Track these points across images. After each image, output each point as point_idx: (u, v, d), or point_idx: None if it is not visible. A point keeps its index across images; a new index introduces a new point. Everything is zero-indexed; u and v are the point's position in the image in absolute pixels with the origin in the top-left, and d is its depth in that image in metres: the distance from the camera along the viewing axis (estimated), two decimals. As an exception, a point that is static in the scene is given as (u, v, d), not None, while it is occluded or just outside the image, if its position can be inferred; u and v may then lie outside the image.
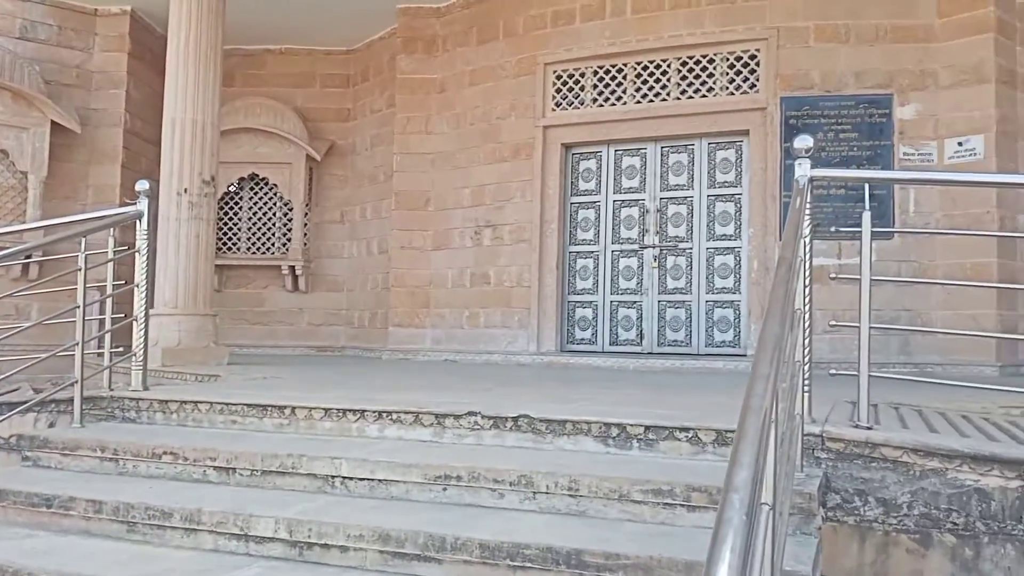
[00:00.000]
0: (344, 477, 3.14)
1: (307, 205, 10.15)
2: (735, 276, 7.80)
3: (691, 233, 8.00)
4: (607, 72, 8.20)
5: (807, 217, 3.07)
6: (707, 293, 7.89)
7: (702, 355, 7.75)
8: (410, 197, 9.13)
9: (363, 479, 3.11)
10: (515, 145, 8.51)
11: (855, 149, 7.27)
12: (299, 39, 10.21)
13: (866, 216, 3.06)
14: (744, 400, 1.42)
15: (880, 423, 3.34)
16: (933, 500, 2.84)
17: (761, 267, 7.46)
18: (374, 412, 3.66)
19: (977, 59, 7.02)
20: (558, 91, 8.41)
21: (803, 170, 3.06)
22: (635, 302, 8.20)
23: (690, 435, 3.17)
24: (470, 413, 3.50)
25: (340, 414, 3.72)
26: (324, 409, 3.76)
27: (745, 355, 7.46)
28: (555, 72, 8.42)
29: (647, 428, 3.24)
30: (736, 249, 7.82)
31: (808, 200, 3.06)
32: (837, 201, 7.15)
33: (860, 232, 3.09)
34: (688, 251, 8.01)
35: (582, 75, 8.30)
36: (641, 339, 8.14)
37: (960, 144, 7.02)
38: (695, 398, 4.48)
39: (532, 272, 8.34)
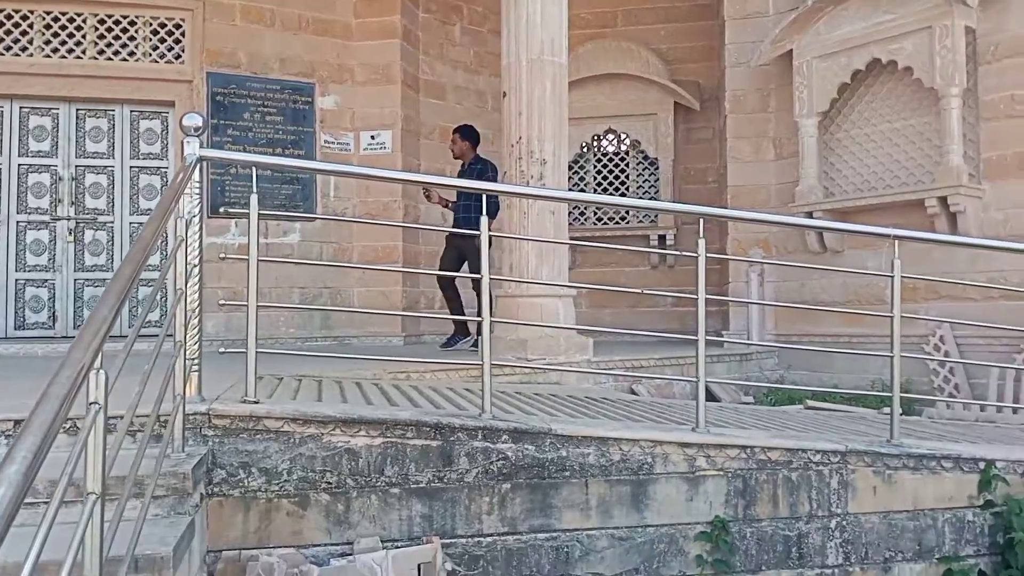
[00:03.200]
0: None
1: None
2: (162, 253, 7.48)
3: (112, 206, 7.42)
4: (9, 18, 7.10)
5: (197, 197, 3.06)
6: (131, 271, 7.39)
7: (126, 336, 7.25)
8: None
9: None
10: None
11: (281, 132, 7.53)
12: None
13: (253, 199, 3.15)
14: (44, 388, 1.33)
15: (274, 396, 3.52)
16: (310, 464, 3.09)
17: (187, 244, 7.25)
18: None
19: (387, 61, 7.83)
20: (-59, 28, 7.01)
21: (192, 149, 3.02)
22: (47, 280, 7.32)
23: (68, 426, 2.92)
24: None
25: None
26: None
27: (173, 335, 7.20)
28: (-64, 5, 7.01)
29: (17, 423, 2.90)
30: (162, 225, 7.48)
31: (197, 179, 3.04)
32: (264, 182, 7.31)
33: (249, 213, 3.18)
34: (109, 225, 7.42)
35: (-26, 15, 7.05)
36: (54, 321, 7.31)
37: (373, 137, 7.78)
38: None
39: (-96, 244, 6.85)
